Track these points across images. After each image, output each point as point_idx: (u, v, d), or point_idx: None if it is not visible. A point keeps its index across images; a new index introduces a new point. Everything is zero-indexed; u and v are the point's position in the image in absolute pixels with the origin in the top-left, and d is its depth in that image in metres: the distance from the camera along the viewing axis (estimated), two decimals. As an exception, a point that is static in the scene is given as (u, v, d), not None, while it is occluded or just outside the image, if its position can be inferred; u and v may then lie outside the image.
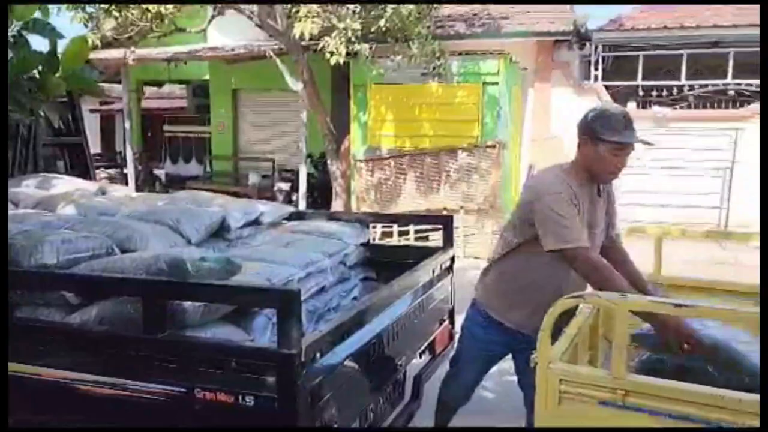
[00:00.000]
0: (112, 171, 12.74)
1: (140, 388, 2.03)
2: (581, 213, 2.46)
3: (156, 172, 13.95)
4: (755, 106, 8.78)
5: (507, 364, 2.92)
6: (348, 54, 7.52)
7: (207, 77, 13.02)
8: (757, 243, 5.70)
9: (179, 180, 13.30)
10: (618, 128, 2.40)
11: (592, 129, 2.45)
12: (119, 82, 11.94)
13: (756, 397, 1.69)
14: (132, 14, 8.41)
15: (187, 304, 2.11)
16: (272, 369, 1.88)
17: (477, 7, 9.90)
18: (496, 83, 8.48)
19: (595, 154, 2.45)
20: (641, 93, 9.57)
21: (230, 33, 10.33)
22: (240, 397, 1.91)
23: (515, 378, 2.88)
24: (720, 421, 1.69)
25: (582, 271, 2.37)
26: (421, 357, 3.11)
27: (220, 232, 3.15)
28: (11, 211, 3.17)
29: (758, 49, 8.91)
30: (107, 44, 9.85)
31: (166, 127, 14.60)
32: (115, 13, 8.21)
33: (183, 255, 2.23)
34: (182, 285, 2.08)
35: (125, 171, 11.91)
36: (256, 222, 3.40)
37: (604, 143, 2.41)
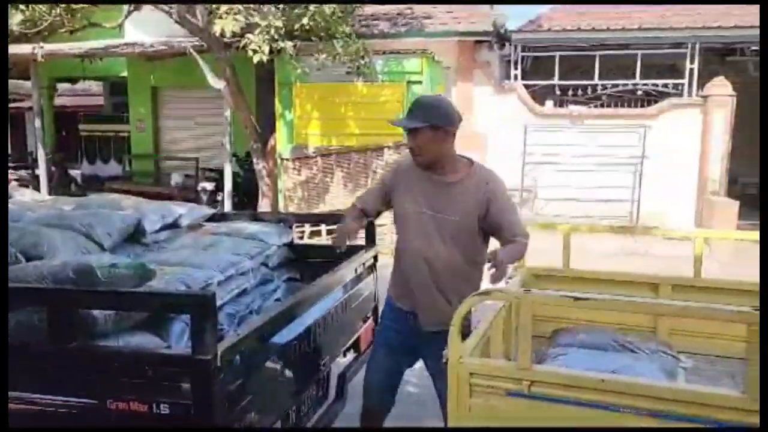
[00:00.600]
0: (22, 172, 12.04)
1: (49, 402, 1.96)
2: (406, 189, 2.64)
3: (72, 172, 13.31)
4: (660, 105, 9.32)
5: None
6: (271, 52, 7.43)
7: (125, 74, 12.53)
8: (661, 236, 6.04)
9: (97, 181, 12.75)
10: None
11: None
12: (29, 79, 11.30)
13: (666, 384, 1.81)
14: (40, 8, 7.97)
15: (97, 312, 2.04)
16: (187, 375, 1.86)
17: (400, 6, 10.00)
18: (420, 82, 8.62)
19: None
20: (558, 92, 9.96)
21: (148, 29, 9.98)
22: (155, 406, 1.88)
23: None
24: (623, 406, 1.81)
25: None
26: (345, 356, 3.14)
27: (135, 236, 3.06)
28: None
29: (663, 51, 9.48)
30: (15, 39, 9.29)
31: (81, 126, 13.95)
32: (22, 7, 7.76)
33: (92, 261, 2.15)
34: (89, 293, 2.01)
35: (37, 172, 11.28)
36: (174, 225, 3.32)
37: None
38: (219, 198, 10.47)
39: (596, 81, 9.65)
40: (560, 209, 9.24)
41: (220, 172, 10.28)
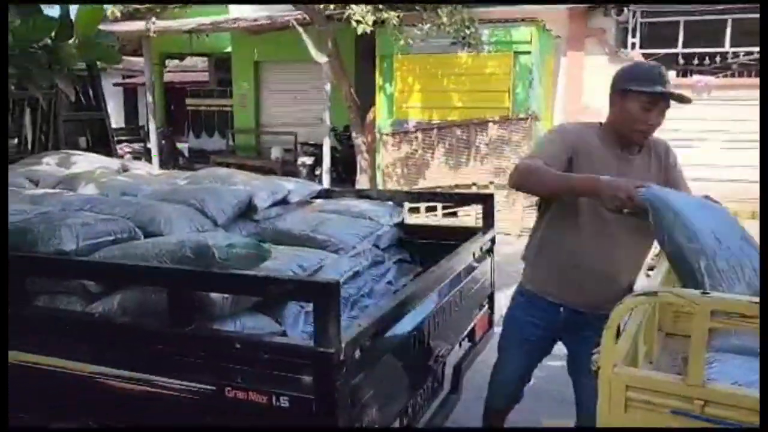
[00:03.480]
0: (135, 146, 12.66)
1: (167, 385, 1.89)
2: (587, 164, 2.26)
3: (179, 146, 13.87)
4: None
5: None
6: (374, 23, 7.24)
7: (229, 49, 12.82)
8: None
9: (202, 154, 13.21)
10: (648, 80, 2.19)
11: (621, 82, 2.26)
12: (141, 55, 11.80)
13: None
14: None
15: (215, 294, 1.95)
16: (308, 368, 1.72)
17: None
18: (528, 52, 8.14)
19: (622, 109, 2.25)
20: (681, 61, 9.12)
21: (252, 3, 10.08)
22: (274, 398, 1.76)
23: (560, 363, 2.65)
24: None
25: (514, 177, 2.25)
26: (461, 346, 2.94)
27: (246, 212, 2.99)
28: (30, 191, 3.04)
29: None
30: (128, 16, 9.68)
31: (188, 101, 14.49)
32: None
33: (209, 241, 2.06)
34: (211, 276, 1.92)
35: (149, 146, 11.82)
36: (283, 201, 3.22)
37: (632, 96, 2.20)
38: (317, 173, 10.51)
39: (727, 48, 8.73)
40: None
41: (319, 147, 10.32)
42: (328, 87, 9.42)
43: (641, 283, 2.61)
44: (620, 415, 1.68)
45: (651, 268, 2.71)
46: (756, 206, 8.18)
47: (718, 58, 8.87)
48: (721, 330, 2.63)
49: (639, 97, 2.18)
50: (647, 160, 2.36)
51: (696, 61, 9.01)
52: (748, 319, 1.59)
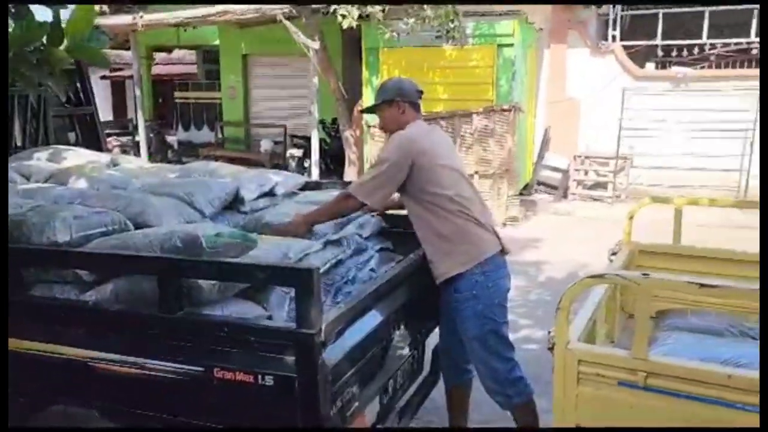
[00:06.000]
0: (124, 139, 12.67)
1: (159, 367, 2.02)
2: None
3: (168, 139, 13.88)
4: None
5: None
6: (360, 17, 7.34)
7: (217, 42, 12.84)
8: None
9: (191, 147, 13.24)
10: None
11: None
12: (128, 49, 11.81)
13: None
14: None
15: (203, 281, 2.08)
16: (291, 349, 1.86)
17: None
18: (511, 45, 8.28)
19: None
20: (660, 53, 9.30)
21: (239, -4, 10.09)
22: (260, 377, 1.89)
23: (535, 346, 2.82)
24: (750, 404, 1.65)
25: None
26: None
27: (234, 204, 3.11)
28: (23, 185, 3.14)
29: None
30: (115, 10, 9.70)
31: (177, 94, 14.49)
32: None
33: (197, 231, 2.18)
34: (199, 263, 2.04)
35: (137, 139, 11.86)
36: (270, 193, 3.35)
37: None
38: (306, 165, 10.61)
39: (704, 40, 8.91)
40: (658, 178, 8.71)
41: (308, 139, 10.41)
42: (315, 80, 9.51)
43: (603, 266, 2.77)
44: (573, 388, 1.85)
45: (614, 253, 2.87)
46: (729, 193, 8.35)
47: (695, 50, 9.05)
48: (677, 310, 2.82)
49: None
50: None
51: (674, 53, 9.19)
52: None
